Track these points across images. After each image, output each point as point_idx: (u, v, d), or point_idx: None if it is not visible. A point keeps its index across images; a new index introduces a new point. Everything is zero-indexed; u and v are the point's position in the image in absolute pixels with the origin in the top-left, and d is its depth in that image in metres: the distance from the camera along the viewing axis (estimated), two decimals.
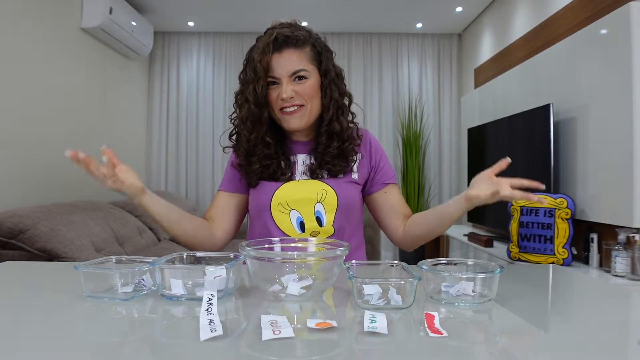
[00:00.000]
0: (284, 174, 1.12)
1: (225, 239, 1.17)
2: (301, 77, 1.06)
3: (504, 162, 0.96)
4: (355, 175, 1.14)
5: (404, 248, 1.17)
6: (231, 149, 1.19)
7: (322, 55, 1.10)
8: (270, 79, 1.06)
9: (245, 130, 1.10)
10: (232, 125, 1.16)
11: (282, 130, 1.15)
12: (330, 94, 1.10)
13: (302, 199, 1.09)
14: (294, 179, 1.13)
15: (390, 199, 1.16)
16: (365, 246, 1.23)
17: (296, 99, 1.06)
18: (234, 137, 1.17)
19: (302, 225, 1.09)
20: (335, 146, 1.10)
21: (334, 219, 1.10)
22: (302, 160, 1.15)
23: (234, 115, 1.15)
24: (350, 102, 1.15)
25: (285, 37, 1.05)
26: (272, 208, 1.10)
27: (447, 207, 1.05)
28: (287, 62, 1.05)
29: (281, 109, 1.07)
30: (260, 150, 1.10)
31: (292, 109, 1.06)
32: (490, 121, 3.32)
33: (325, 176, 1.12)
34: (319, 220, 1.09)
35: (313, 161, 1.13)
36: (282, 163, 1.12)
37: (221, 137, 1.17)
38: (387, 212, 1.16)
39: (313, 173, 1.12)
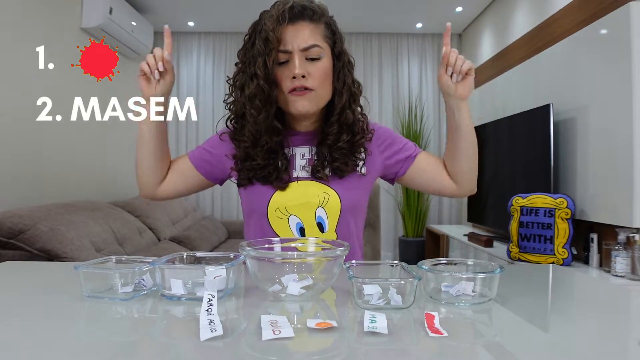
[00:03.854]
0: (279, 179, 1.01)
1: (165, 195, 1.09)
2: (314, 58, 0.96)
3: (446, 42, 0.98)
4: (363, 171, 1.06)
5: (467, 194, 1.09)
6: (221, 134, 1.08)
7: (336, 36, 1.02)
8: (280, 54, 0.95)
9: (253, 110, 0.96)
10: (228, 112, 1.06)
11: (282, 120, 1.04)
12: (344, 79, 1.01)
13: (302, 203, 1.02)
14: (292, 176, 1.04)
15: (425, 167, 1.08)
16: (363, 249, 1.16)
17: (308, 80, 0.96)
18: (234, 122, 1.05)
19: (302, 232, 1.03)
20: (345, 139, 1.01)
21: (337, 224, 1.03)
22: (301, 154, 1.06)
23: (231, 99, 1.03)
24: (360, 92, 1.06)
25: (301, 7, 0.96)
26: (269, 213, 1.02)
27: (450, 120, 1.02)
28: (301, 35, 0.95)
29: (291, 91, 0.96)
30: (266, 140, 0.99)
31: (300, 89, 0.96)
32: (490, 121, 3.32)
33: (329, 174, 1.03)
34: (321, 226, 1.03)
35: (314, 155, 1.05)
36: (280, 163, 1.02)
37: (217, 124, 1.11)
38: (429, 180, 1.09)
39: (315, 171, 1.03)
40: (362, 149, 1.06)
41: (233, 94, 1.03)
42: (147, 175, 1.05)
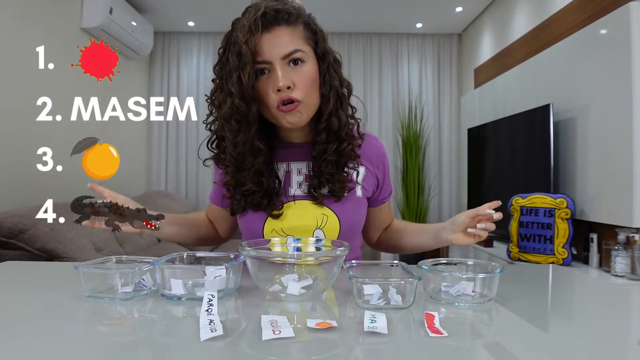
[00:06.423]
0: (272, 205, 0.94)
1: (228, 236, 1.17)
2: (297, 60, 0.87)
3: (493, 206, 0.96)
4: (359, 192, 1.00)
5: (374, 249, 1.20)
6: (204, 160, 1.00)
7: (317, 35, 0.92)
8: (258, 65, 0.86)
9: (229, 132, 0.89)
10: (209, 132, 0.98)
11: (272, 133, 0.98)
12: (331, 81, 0.92)
13: (299, 226, 0.95)
14: (288, 194, 0.98)
15: (382, 216, 1.12)
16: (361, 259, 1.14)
17: (294, 91, 0.86)
18: (214, 145, 0.97)
19: (299, 251, 0.99)
20: (332, 149, 0.93)
21: None
22: (297, 169, 0.99)
23: (210, 119, 0.95)
24: (350, 92, 0.97)
25: (275, 11, 0.87)
26: (265, 235, 0.97)
27: (440, 233, 1.03)
28: (279, 42, 0.86)
29: (278, 106, 0.88)
30: (250, 162, 0.91)
31: (287, 102, 0.88)
32: (490, 121, 3.32)
33: (326, 192, 0.96)
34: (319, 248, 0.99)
35: (311, 171, 0.97)
36: (271, 185, 0.95)
37: (200, 148, 0.99)
38: (374, 225, 1.13)
39: (312, 190, 0.95)
40: (354, 156, 0.97)
41: (213, 114, 0.95)
42: (198, 242, 1.15)
